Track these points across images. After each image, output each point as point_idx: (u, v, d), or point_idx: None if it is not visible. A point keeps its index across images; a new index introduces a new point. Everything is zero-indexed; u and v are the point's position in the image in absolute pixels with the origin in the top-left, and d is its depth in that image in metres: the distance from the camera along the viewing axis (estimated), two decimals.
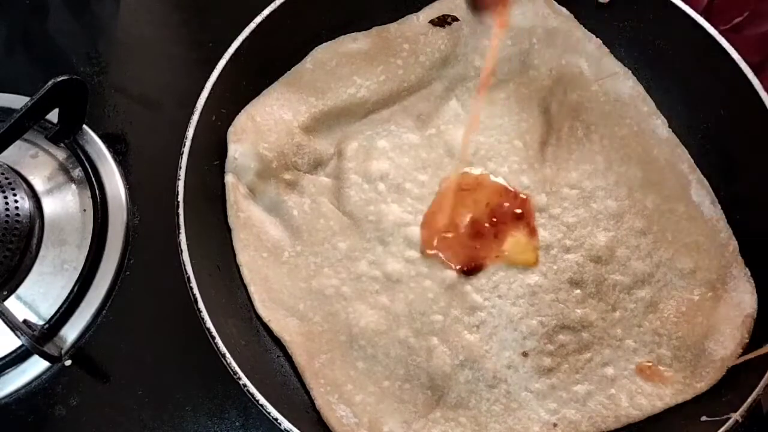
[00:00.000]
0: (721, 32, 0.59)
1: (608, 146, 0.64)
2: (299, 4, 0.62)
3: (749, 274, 0.58)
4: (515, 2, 0.67)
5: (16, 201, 0.63)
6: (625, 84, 0.66)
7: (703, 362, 0.55)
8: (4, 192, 0.63)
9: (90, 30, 0.79)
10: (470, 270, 0.58)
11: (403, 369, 0.55)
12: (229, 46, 0.59)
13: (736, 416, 0.49)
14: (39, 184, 0.67)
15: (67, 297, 0.61)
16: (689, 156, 0.63)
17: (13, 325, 0.57)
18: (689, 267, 0.59)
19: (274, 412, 0.48)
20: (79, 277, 0.62)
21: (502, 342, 0.57)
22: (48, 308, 0.61)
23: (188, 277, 0.51)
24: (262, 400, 0.48)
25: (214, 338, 0.49)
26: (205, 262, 0.54)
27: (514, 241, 0.60)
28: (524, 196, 0.61)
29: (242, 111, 0.62)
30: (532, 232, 0.60)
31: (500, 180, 0.62)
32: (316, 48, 0.66)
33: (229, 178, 0.60)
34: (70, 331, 0.61)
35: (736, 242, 0.60)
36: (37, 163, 0.68)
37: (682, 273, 0.59)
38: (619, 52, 0.66)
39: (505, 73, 0.66)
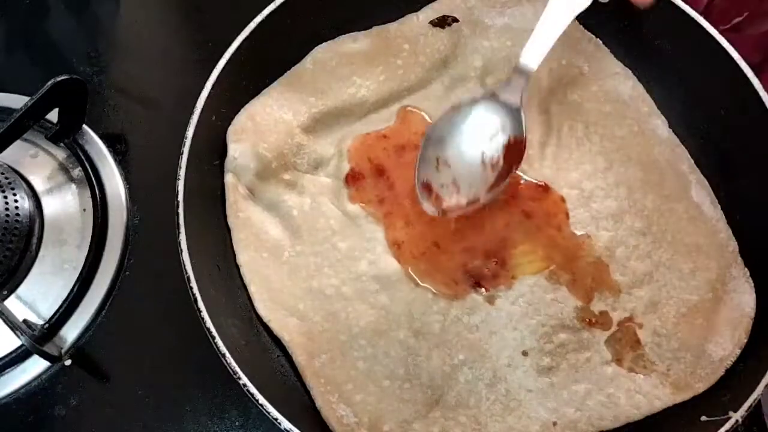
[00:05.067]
0: (721, 32, 0.59)
1: (608, 146, 0.64)
2: (299, 4, 0.62)
3: (748, 274, 0.58)
4: (515, 3, 0.67)
5: (16, 201, 0.63)
6: (625, 84, 0.66)
7: (703, 363, 0.55)
8: (4, 192, 0.63)
9: (90, 30, 0.79)
10: (476, 287, 0.59)
11: (403, 368, 0.55)
12: (229, 46, 0.59)
13: (736, 416, 0.49)
14: (39, 184, 0.67)
15: (67, 297, 0.61)
16: (689, 156, 0.63)
17: (13, 324, 0.57)
18: (689, 267, 0.59)
19: (274, 412, 0.48)
20: (79, 277, 0.62)
21: (502, 341, 0.57)
22: (48, 308, 0.61)
23: (188, 277, 0.51)
24: (262, 400, 0.48)
25: (214, 338, 0.49)
26: (205, 262, 0.54)
27: (520, 252, 0.60)
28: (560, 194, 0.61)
29: (242, 111, 0.62)
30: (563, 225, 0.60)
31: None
32: (316, 48, 0.66)
33: (229, 178, 0.60)
34: (70, 331, 0.61)
35: (735, 243, 0.60)
36: (37, 163, 0.68)
37: (681, 273, 0.59)
38: (619, 52, 0.66)
39: (505, 74, 0.66)
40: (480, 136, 0.58)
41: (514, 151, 0.58)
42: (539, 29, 0.56)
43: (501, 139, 0.58)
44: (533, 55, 0.56)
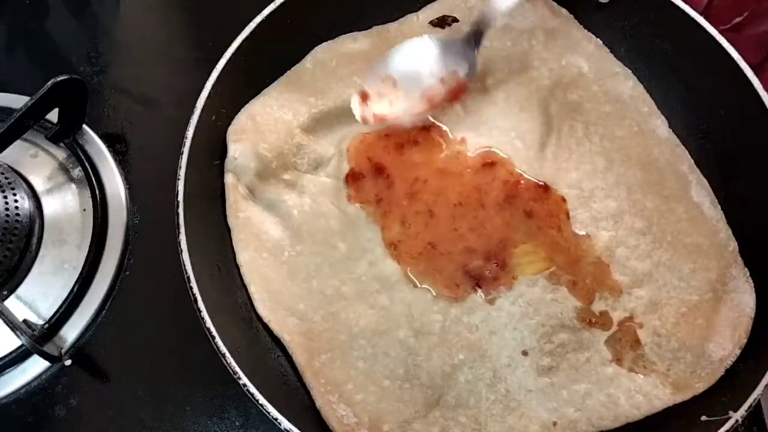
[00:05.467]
0: (721, 32, 0.59)
1: (608, 146, 0.64)
2: (299, 4, 0.62)
3: (748, 274, 0.58)
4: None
5: (16, 201, 0.63)
6: (625, 84, 0.66)
7: (703, 363, 0.55)
8: (4, 192, 0.63)
9: (90, 30, 0.79)
10: (476, 287, 0.59)
11: (403, 368, 0.56)
12: (229, 46, 0.59)
13: (736, 416, 0.49)
14: (39, 184, 0.67)
15: (67, 297, 0.61)
16: (689, 156, 0.63)
17: (13, 324, 0.57)
18: (689, 267, 0.59)
19: (274, 412, 0.48)
20: (79, 277, 0.62)
21: (502, 341, 0.57)
22: (48, 308, 0.61)
23: (188, 277, 0.51)
24: (262, 400, 0.48)
25: (214, 338, 0.50)
26: (205, 262, 0.54)
27: (520, 251, 0.60)
28: (560, 194, 0.62)
29: (242, 111, 0.62)
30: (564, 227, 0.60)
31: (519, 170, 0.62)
32: (316, 48, 0.66)
33: (229, 178, 0.60)
34: (70, 331, 0.61)
35: (735, 243, 0.60)
36: (37, 163, 0.68)
37: (681, 273, 0.59)
38: (619, 52, 0.67)
39: (505, 74, 0.66)
40: (434, 70, 0.61)
41: (457, 91, 0.62)
42: None
43: (450, 79, 0.62)
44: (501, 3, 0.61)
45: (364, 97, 0.61)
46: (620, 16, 0.65)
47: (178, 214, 0.53)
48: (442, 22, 0.67)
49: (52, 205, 0.66)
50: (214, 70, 0.58)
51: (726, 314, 0.57)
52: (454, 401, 0.55)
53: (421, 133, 0.63)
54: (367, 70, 0.62)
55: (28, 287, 0.63)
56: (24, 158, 0.68)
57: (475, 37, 0.61)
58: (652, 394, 0.55)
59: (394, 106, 0.61)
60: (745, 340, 0.56)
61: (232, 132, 0.61)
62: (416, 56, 0.61)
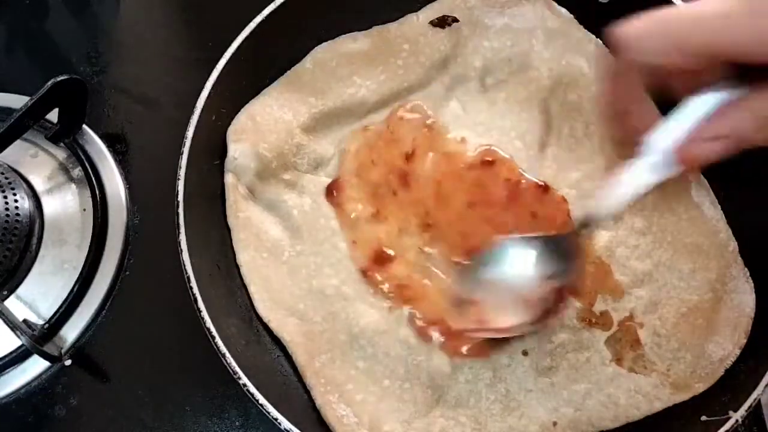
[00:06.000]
0: None
1: (608, 146, 0.64)
2: (299, 4, 0.62)
3: (748, 274, 0.58)
4: (515, 3, 0.67)
5: (16, 201, 0.63)
6: None
7: (703, 363, 0.55)
8: (4, 192, 0.63)
9: (90, 30, 0.79)
10: None
11: (403, 368, 0.56)
12: (229, 46, 0.59)
13: (736, 416, 0.49)
14: (39, 184, 0.67)
15: (67, 297, 0.61)
16: None
17: (12, 324, 0.57)
18: (689, 267, 0.59)
19: (274, 412, 0.48)
20: (79, 277, 0.62)
21: (502, 341, 0.56)
22: (48, 308, 0.61)
23: (188, 277, 0.51)
24: (262, 400, 0.48)
25: (214, 338, 0.50)
26: (205, 262, 0.54)
27: None
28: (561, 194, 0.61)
29: (242, 111, 0.62)
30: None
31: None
32: (316, 48, 0.66)
33: (229, 178, 0.60)
34: (70, 331, 0.61)
35: (735, 243, 0.60)
36: (37, 163, 0.68)
37: (681, 273, 0.59)
38: None
39: (505, 74, 0.66)
40: (533, 276, 0.54)
41: (561, 295, 0.55)
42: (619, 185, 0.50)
43: (551, 283, 0.54)
44: (605, 206, 0.51)
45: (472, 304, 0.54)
46: (620, 16, 0.65)
47: (178, 214, 0.53)
48: (442, 22, 0.67)
49: (52, 205, 0.66)
50: (214, 70, 0.58)
51: (726, 314, 0.57)
52: (454, 401, 0.55)
53: (421, 134, 0.63)
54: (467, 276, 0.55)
55: (28, 287, 0.63)
56: (24, 158, 0.68)
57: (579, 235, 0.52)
58: (652, 394, 0.55)
59: (504, 319, 0.53)
60: (745, 340, 0.56)
61: (232, 132, 0.61)
62: (518, 264, 0.53)
